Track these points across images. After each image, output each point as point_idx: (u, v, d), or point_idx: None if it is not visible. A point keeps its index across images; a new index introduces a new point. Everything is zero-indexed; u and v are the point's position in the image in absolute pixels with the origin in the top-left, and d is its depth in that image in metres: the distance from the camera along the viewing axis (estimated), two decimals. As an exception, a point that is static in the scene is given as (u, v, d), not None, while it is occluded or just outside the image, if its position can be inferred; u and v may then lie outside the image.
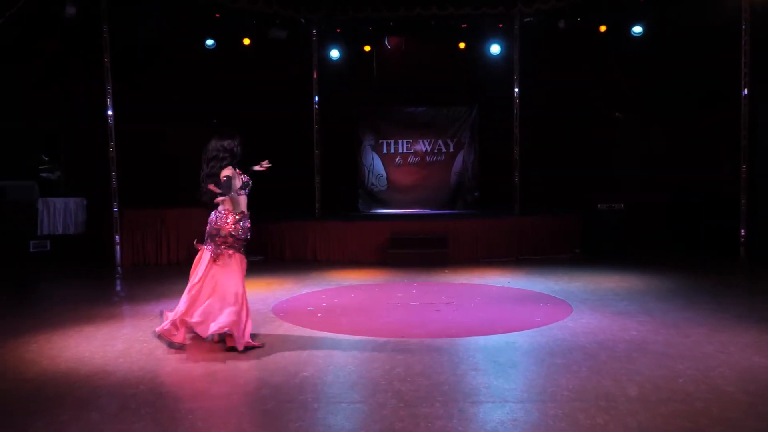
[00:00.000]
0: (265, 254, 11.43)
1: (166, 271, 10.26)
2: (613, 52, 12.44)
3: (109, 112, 10.59)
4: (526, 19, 11.92)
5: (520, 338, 5.56)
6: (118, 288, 9.29)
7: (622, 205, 11.43)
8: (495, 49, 12.50)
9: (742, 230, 10.33)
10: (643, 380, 4.35)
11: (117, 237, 10.70)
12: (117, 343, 5.53)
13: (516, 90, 12.05)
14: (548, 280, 8.62)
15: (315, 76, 12.38)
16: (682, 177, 11.83)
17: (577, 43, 12.39)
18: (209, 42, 12.23)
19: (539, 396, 4.13)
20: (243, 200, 5.58)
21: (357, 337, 5.68)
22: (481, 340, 5.58)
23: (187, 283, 5.36)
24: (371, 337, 5.63)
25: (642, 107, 12.67)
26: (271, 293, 7.94)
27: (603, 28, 11.95)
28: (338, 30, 12.53)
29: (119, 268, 10.51)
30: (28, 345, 5.48)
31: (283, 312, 6.79)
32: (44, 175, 13.78)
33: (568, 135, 12.70)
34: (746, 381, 4.32)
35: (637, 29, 11.67)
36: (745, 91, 10.30)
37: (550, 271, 9.40)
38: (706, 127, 11.68)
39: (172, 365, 4.82)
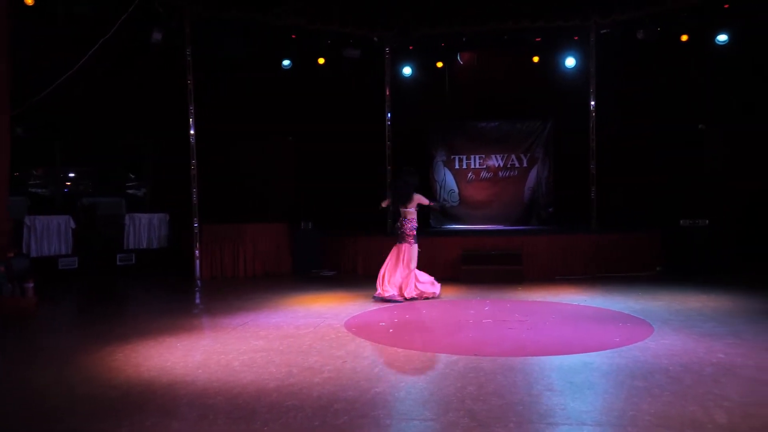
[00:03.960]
0: (338, 269, 11.58)
1: (243, 284, 10.58)
2: (696, 61, 11.96)
3: (191, 131, 11.07)
4: (602, 31, 11.64)
5: (598, 359, 5.36)
6: (198, 300, 9.62)
7: (707, 221, 10.90)
8: (570, 62, 12.28)
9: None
10: (733, 407, 4.10)
11: (197, 251, 11.11)
12: (196, 354, 5.72)
13: (592, 103, 11.77)
14: (628, 299, 8.30)
15: (387, 93, 12.51)
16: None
17: (657, 53, 11.99)
18: (285, 62, 12.60)
19: (619, 420, 3.96)
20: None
21: (429, 354, 5.65)
22: (557, 359, 5.42)
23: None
24: (443, 354, 5.58)
25: (728, 118, 12.08)
26: (343, 308, 8.01)
27: (685, 38, 11.50)
28: (411, 47, 12.64)
29: (198, 281, 10.90)
30: (115, 353, 5.75)
31: (355, 327, 6.83)
32: (131, 191, 14.53)
33: (647, 148, 12.27)
34: None
35: (722, 38, 11.17)
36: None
37: (629, 290, 9.05)
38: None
39: (248, 378, 4.94)
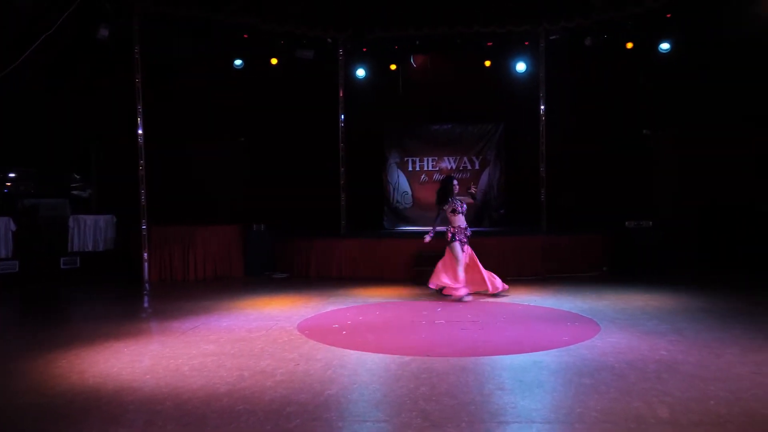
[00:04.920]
0: (291, 271, 11.50)
1: (193, 287, 10.39)
2: (641, 68, 12.35)
3: (140, 131, 10.80)
4: (551, 37, 11.91)
5: (547, 357, 5.47)
6: (146, 304, 9.40)
7: (651, 223, 11.25)
8: (521, 66, 12.52)
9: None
10: (674, 402, 4.25)
11: (145, 254, 10.85)
12: (144, 360, 5.58)
13: (542, 107, 12.01)
14: (576, 299, 8.50)
15: (341, 94, 12.50)
16: (715, 194, 11.62)
17: (604, 60, 12.34)
18: (237, 62, 12.44)
19: (567, 417, 4.06)
20: (453, 218, 9.07)
21: (382, 355, 5.65)
22: (507, 359, 5.51)
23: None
24: (396, 356, 5.60)
25: (671, 123, 12.51)
26: (296, 311, 7.96)
27: (630, 45, 11.88)
28: (364, 49, 12.66)
29: (147, 284, 10.65)
30: (58, 360, 5.56)
31: (308, 329, 6.79)
32: (76, 192, 14.09)
33: (595, 152, 12.59)
34: (782, 404, 4.19)
35: (665, 46, 11.59)
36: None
37: (577, 290, 9.28)
38: (739, 142, 11.48)
39: (198, 383, 4.85)
